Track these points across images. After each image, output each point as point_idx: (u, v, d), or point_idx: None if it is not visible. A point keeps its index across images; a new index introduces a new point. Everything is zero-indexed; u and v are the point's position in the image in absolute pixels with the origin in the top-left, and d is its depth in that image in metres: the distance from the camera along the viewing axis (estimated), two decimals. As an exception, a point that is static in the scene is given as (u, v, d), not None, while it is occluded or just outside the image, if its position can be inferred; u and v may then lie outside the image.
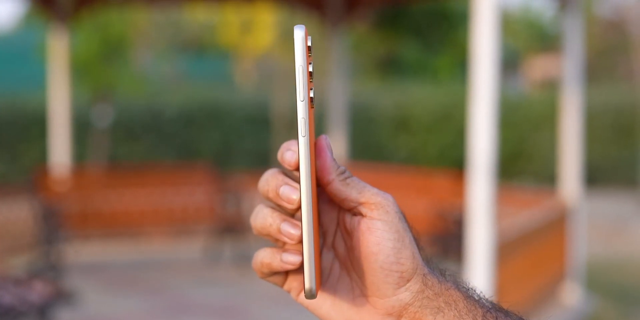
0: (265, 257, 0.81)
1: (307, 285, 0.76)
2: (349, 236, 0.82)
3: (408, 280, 0.78)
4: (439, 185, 9.92)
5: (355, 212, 0.80)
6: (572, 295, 7.81)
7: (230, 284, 8.40)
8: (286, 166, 0.79)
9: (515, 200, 8.45)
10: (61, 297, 5.81)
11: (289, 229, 0.79)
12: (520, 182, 16.30)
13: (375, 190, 0.80)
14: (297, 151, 0.77)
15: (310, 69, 0.76)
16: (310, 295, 0.76)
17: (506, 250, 6.20)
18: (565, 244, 7.93)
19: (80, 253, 9.39)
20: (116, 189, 10.23)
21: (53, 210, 8.59)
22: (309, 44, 0.76)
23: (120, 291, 8.25)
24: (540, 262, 7.54)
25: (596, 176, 16.46)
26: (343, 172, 0.81)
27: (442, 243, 8.59)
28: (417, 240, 0.82)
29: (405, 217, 0.82)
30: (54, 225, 8.50)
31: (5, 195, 8.18)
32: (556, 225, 7.79)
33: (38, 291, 5.79)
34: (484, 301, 0.80)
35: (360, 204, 0.79)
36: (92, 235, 10.15)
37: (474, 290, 0.81)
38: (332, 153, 0.81)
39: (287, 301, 0.82)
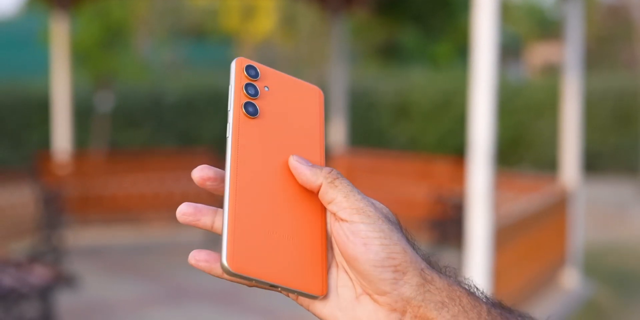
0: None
1: (221, 259, 0.77)
2: (335, 242, 0.82)
3: (404, 274, 0.77)
4: (439, 171, 9.95)
5: (337, 217, 0.80)
6: (570, 280, 7.85)
7: (230, 269, 8.43)
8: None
9: (515, 186, 8.48)
10: (61, 280, 5.85)
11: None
12: (521, 168, 16.32)
13: (359, 196, 0.80)
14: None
15: (267, 89, 0.86)
16: (226, 270, 0.77)
17: (505, 236, 6.24)
18: (565, 230, 7.97)
19: (80, 238, 9.43)
20: (117, 174, 10.26)
21: (54, 195, 8.63)
22: (247, 73, 0.85)
23: (120, 275, 8.29)
24: (539, 248, 7.58)
25: (597, 163, 16.48)
26: (329, 172, 0.81)
27: (441, 228, 8.63)
28: (411, 240, 0.82)
29: (395, 221, 0.81)
30: (55, 210, 8.54)
31: (7, 180, 8.22)
32: (555, 211, 7.82)
33: (38, 275, 5.84)
34: (487, 299, 0.80)
35: (343, 208, 0.79)
36: (93, 220, 10.19)
37: (476, 288, 0.81)
38: (307, 163, 0.83)
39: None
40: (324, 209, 0.83)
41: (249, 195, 0.81)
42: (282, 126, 0.85)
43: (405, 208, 9.38)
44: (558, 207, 7.85)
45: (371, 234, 0.77)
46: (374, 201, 0.82)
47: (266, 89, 0.86)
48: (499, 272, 6.03)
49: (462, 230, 6.35)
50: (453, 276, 0.81)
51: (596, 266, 8.93)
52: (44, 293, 5.65)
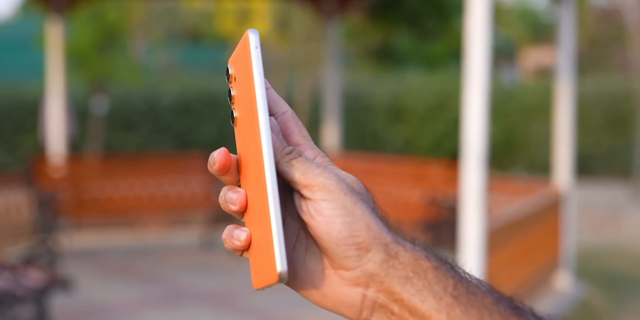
0: (224, 233, 0.83)
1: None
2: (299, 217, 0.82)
3: (368, 251, 0.77)
4: (433, 174, 9.99)
5: (300, 195, 0.80)
6: (563, 282, 7.89)
7: (225, 272, 8.47)
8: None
9: (509, 189, 8.53)
10: (56, 283, 5.87)
11: (231, 195, 0.82)
12: (514, 171, 16.37)
13: (319, 170, 0.79)
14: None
15: (234, 93, 0.83)
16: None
17: (498, 238, 6.28)
18: (558, 232, 8.01)
19: (76, 241, 9.45)
20: (112, 177, 10.27)
21: (49, 198, 8.65)
22: (227, 78, 0.84)
23: (116, 278, 8.32)
24: (532, 250, 7.62)
25: (590, 165, 16.53)
26: (289, 153, 0.80)
27: (435, 230, 8.67)
28: (378, 210, 0.81)
29: (361, 190, 0.81)
30: (51, 214, 8.56)
31: (2, 184, 8.24)
32: (548, 214, 7.87)
33: (33, 278, 5.86)
34: (456, 271, 0.80)
35: (304, 186, 0.79)
36: (88, 224, 10.21)
37: (447, 261, 0.80)
38: (278, 134, 0.81)
39: (282, 289, 0.81)
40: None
41: (250, 213, 0.81)
42: (246, 109, 0.82)
43: (399, 210, 9.42)
44: (551, 210, 7.90)
45: (333, 211, 0.77)
46: (338, 171, 0.81)
47: (235, 80, 0.83)
48: (491, 274, 6.07)
49: (456, 232, 6.39)
50: (421, 250, 0.79)
51: (589, 268, 8.98)
52: (39, 296, 5.68)
